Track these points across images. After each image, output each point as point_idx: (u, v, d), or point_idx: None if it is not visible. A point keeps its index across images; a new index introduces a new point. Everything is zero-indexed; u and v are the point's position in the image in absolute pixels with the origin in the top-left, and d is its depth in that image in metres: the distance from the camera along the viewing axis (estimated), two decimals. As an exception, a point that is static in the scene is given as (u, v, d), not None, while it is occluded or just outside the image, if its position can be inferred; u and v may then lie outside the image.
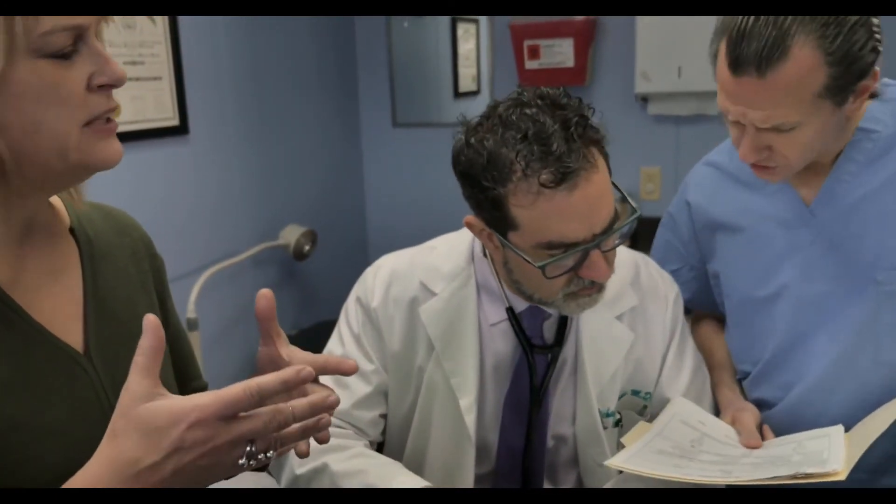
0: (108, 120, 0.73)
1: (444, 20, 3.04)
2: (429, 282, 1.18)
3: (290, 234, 2.67)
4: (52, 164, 0.70)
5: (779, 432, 1.14)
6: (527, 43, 2.75)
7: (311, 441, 0.85)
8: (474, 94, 3.04)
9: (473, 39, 3.00)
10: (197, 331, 2.27)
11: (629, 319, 1.19)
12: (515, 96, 1.03)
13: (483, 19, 2.95)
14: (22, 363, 0.72)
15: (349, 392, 1.19)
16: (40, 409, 0.72)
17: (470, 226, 1.09)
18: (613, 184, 1.05)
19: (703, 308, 1.34)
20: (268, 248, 2.64)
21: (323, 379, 1.16)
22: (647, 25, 2.55)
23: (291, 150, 2.80)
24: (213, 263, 2.39)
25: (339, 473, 1.11)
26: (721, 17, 1.02)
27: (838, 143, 1.09)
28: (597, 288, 1.07)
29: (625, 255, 1.24)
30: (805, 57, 0.95)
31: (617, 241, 1.06)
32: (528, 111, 0.98)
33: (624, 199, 1.06)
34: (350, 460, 1.13)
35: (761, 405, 1.21)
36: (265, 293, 0.82)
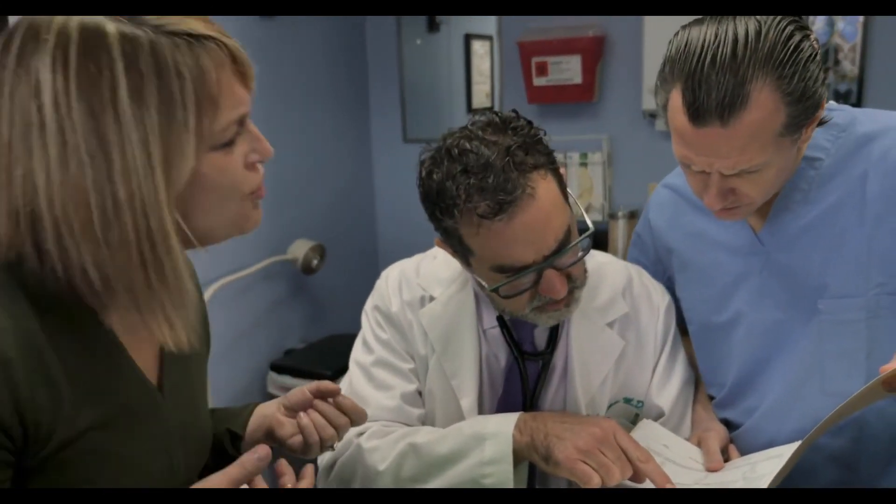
0: (258, 187, 0.81)
1: (458, 37, 3.07)
2: (429, 287, 1.22)
3: (299, 249, 2.68)
4: (213, 237, 0.79)
5: (742, 455, 1.14)
6: (534, 60, 2.76)
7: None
8: (488, 110, 3.05)
9: (488, 57, 3.02)
10: (205, 344, 2.27)
11: (620, 327, 1.21)
12: (465, 127, 1.06)
13: (495, 35, 2.97)
14: (119, 400, 0.78)
15: (393, 392, 1.21)
16: (126, 442, 0.78)
17: (441, 247, 1.14)
18: (573, 199, 1.08)
19: (680, 324, 1.34)
20: (276, 262, 2.65)
21: (365, 388, 1.21)
22: (655, 42, 2.56)
23: (301, 164, 2.82)
24: (221, 277, 2.40)
25: (428, 443, 1.12)
26: (667, 64, 1.00)
27: (791, 173, 1.09)
28: (564, 302, 1.09)
29: (618, 265, 1.27)
30: (765, 100, 0.94)
31: (576, 258, 1.08)
32: (469, 144, 1.01)
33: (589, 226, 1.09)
34: (430, 432, 1.16)
35: (728, 426, 1.22)
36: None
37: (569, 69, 2.73)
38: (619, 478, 1.01)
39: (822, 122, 1.06)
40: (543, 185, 1.02)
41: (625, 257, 1.42)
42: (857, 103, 2.42)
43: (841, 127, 1.09)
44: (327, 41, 2.94)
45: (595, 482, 1.00)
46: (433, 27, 3.10)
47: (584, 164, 2.84)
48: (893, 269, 1.04)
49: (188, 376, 0.91)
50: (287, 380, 2.52)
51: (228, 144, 0.76)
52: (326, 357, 2.56)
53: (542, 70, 2.77)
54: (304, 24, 2.78)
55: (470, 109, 3.09)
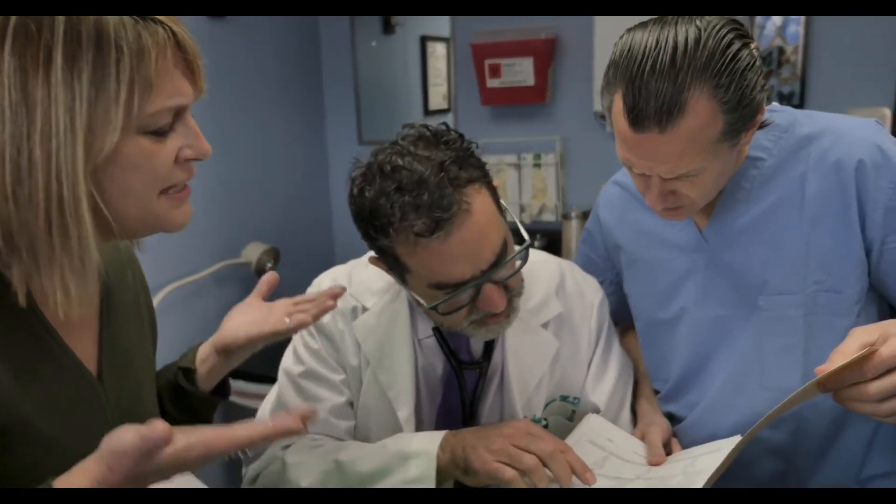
0: (183, 187, 0.80)
1: (413, 38, 3.07)
2: (361, 297, 1.20)
3: (252, 252, 2.65)
4: (131, 225, 0.77)
5: (685, 448, 1.17)
6: (488, 62, 2.78)
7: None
8: (445, 112, 3.06)
9: (444, 58, 3.03)
10: (156, 349, 2.24)
11: (555, 327, 1.21)
12: (395, 142, 1.04)
13: (450, 37, 2.98)
14: (55, 387, 0.78)
15: (323, 403, 1.19)
16: (68, 431, 0.78)
17: (376, 264, 1.11)
18: (507, 212, 1.07)
19: (625, 320, 1.35)
20: (228, 265, 2.62)
21: (292, 399, 1.21)
22: (605, 45, 2.60)
23: (254, 166, 2.79)
24: (171, 282, 2.36)
25: (352, 460, 1.11)
26: (611, 68, 1.01)
27: (732, 173, 1.11)
28: (503, 314, 1.08)
29: (550, 264, 1.26)
30: (702, 108, 0.95)
31: (513, 270, 1.06)
32: (401, 160, 0.99)
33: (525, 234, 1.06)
34: (356, 448, 1.15)
35: (672, 420, 1.25)
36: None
37: (521, 71, 2.75)
38: (530, 463, 1.00)
39: (763, 125, 1.08)
40: (479, 200, 1.00)
41: (578, 257, 1.43)
42: (800, 104, 2.49)
43: (783, 128, 1.11)
44: (280, 42, 2.92)
45: (509, 475, 1.00)
46: (388, 29, 3.09)
47: (537, 165, 2.87)
48: (830, 268, 1.07)
49: (131, 368, 0.91)
50: (241, 384, 2.49)
51: (161, 133, 0.75)
52: (280, 360, 2.53)
53: (496, 72, 2.79)
54: (256, 24, 2.75)
55: (427, 111, 3.09)
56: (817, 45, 2.46)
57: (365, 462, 1.10)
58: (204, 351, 1.08)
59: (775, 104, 1.14)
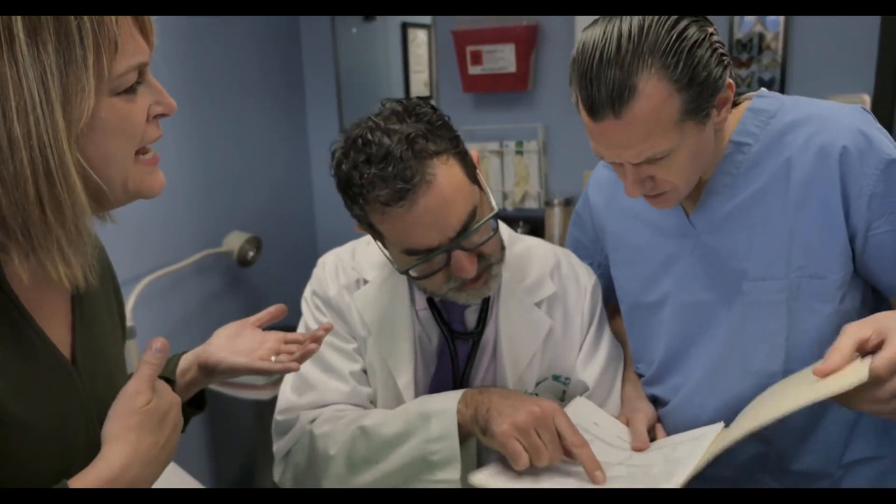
0: (148, 151, 0.81)
1: (395, 26, 3.05)
2: (363, 271, 1.26)
3: (234, 241, 2.63)
4: (115, 194, 0.77)
5: (669, 432, 1.20)
6: (469, 49, 2.77)
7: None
8: (427, 99, 3.04)
9: (425, 45, 3.01)
10: (135, 339, 2.22)
11: (548, 307, 1.25)
12: (370, 117, 1.10)
13: (431, 24, 2.97)
14: (29, 369, 0.78)
15: (343, 374, 1.23)
16: (43, 413, 0.78)
17: (361, 230, 1.17)
18: (480, 182, 1.12)
19: (614, 302, 1.37)
20: (210, 255, 2.60)
21: (313, 373, 1.24)
22: (588, 32, 2.59)
23: (235, 156, 2.77)
24: (151, 272, 2.34)
25: (376, 425, 1.14)
26: (570, 67, 1.04)
27: (716, 155, 1.12)
28: (482, 280, 1.13)
29: (545, 248, 1.31)
30: (653, 90, 0.97)
31: (485, 238, 1.11)
32: (371, 135, 1.05)
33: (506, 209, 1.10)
34: (379, 414, 1.18)
35: (656, 403, 1.27)
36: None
37: (503, 58, 2.74)
38: (546, 461, 1.04)
39: (737, 103, 1.09)
40: (443, 171, 1.05)
41: (561, 244, 1.44)
42: (781, 91, 2.50)
43: (769, 113, 1.12)
44: (261, 31, 2.89)
45: (523, 461, 1.03)
46: (369, 16, 3.07)
47: (519, 153, 2.87)
48: (813, 254, 1.08)
49: (105, 355, 0.91)
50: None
51: (130, 92, 0.76)
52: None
53: (477, 59, 2.78)
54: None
55: (408, 99, 3.08)
56: (798, 32, 2.47)
57: (388, 426, 1.14)
58: (186, 362, 1.08)
59: (763, 90, 1.15)
